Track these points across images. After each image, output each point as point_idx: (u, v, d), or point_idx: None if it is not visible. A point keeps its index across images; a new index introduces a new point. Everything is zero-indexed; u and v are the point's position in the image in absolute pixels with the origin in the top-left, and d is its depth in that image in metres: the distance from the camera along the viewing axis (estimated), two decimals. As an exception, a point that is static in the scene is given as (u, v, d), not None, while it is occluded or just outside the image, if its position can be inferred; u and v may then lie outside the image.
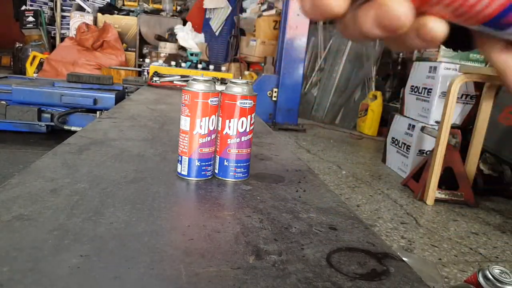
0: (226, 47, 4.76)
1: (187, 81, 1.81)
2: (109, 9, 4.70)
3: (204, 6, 4.80)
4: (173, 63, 2.20)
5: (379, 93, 3.82)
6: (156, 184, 0.56)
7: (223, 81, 1.92)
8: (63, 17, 4.65)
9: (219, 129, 0.59)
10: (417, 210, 1.99)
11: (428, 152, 2.39)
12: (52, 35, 4.73)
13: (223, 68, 3.13)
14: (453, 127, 2.08)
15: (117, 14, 4.69)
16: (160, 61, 3.14)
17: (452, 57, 2.44)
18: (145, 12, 4.86)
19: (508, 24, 0.17)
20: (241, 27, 4.52)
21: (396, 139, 2.74)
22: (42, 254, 0.35)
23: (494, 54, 0.21)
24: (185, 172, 0.59)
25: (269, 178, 0.64)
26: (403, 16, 0.17)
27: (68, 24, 4.53)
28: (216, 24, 4.76)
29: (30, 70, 3.75)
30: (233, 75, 2.81)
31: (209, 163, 0.60)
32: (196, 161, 0.58)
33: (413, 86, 2.68)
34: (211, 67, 2.29)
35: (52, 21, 4.74)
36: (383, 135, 3.29)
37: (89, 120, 1.18)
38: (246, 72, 4.00)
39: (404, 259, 0.42)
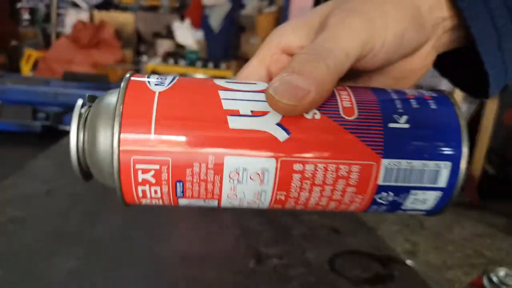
0: (225, 44, 4.75)
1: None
2: (105, 5, 4.68)
3: (203, 3, 4.79)
4: (171, 60, 2.19)
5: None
6: (154, 185, 0.55)
7: (221, 79, 1.91)
8: (58, 14, 4.63)
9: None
10: (419, 211, 1.99)
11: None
12: (48, 33, 4.70)
13: (223, 66, 3.12)
14: (456, 126, 2.07)
15: (114, 10, 4.67)
16: (158, 59, 3.12)
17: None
18: (142, 8, 4.84)
19: None
20: (241, 24, 4.51)
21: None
22: (37, 257, 0.35)
23: None
24: (183, 173, 0.58)
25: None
26: None
27: (64, 22, 4.51)
28: (215, 21, 4.75)
29: (26, 68, 3.73)
30: (233, 73, 2.80)
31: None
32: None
33: (416, 85, 2.68)
34: (210, 64, 2.28)
35: (47, 18, 4.72)
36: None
37: (85, 119, 1.17)
38: (245, 70, 3.99)
39: (408, 262, 0.41)
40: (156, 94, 0.19)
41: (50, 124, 1.18)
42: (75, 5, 4.57)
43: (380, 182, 0.20)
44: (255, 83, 0.21)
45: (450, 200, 0.20)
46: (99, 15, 4.45)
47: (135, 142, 0.18)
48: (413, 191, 0.20)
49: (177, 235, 0.43)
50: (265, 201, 0.20)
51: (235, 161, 0.19)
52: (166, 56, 2.96)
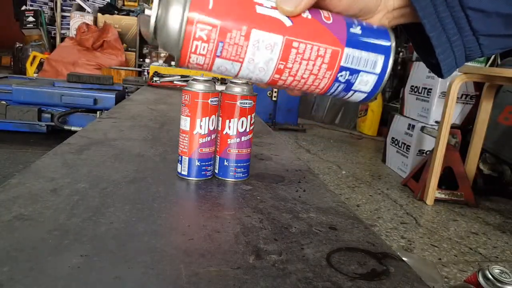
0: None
1: (187, 81, 1.80)
2: (109, 9, 4.69)
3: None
4: (173, 63, 2.20)
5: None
6: (156, 184, 0.56)
7: (223, 81, 1.92)
8: (63, 17, 4.65)
9: (219, 129, 0.59)
10: (417, 210, 1.99)
11: (428, 152, 2.39)
12: (52, 35, 4.72)
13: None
14: (453, 127, 2.08)
15: (117, 14, 4.68)
16: (160, 61, 3.13)
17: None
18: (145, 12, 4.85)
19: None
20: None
21: (396, 139, 2.74)
22: (42, 254, 0.35)
23: None
24: (185, 172, 0.59)
25: (269, 178, 0.64)
26: None
27: (68, 24, 4.53)
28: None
29: (30, 70, 3.75)
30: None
31: (209, 163, 0.60)
32: (196, 161, 0.58)
33: (413, 86, 2.68)
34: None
35: (52, 21, 4.74)
36: (383, 135, 3.29)
37: (89, 120, 1.18)
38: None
39: (404, 259, 0.42)
40: None
41: (55, 124, 1.19)
42: (80, 9, 4.59)
43: (342, 63, 0.31)
44: None
45: (382, 84, 0.32)
46: (103, 18, 4.46)
47: (199, 10, 0.28)
48: (361, 73, 0.31)
49: (179, 232, 0.43)
50: (269, 69, 0.31)
51: (258, 33, 0.29)
52: (168, 59, 2.97)
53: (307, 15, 0.30)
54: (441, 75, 0.34)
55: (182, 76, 1.93)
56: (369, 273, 0.38)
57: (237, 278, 0.35)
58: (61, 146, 0.70)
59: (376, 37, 0.32)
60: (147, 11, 0.30)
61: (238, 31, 0.29)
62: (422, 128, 2.41)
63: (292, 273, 0.36)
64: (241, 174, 0.61)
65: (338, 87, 0.32)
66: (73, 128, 1.24)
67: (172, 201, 0.52)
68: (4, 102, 1.17)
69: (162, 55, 4.02)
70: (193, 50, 0.29)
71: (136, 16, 4.69)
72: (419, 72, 2.62)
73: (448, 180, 2.15)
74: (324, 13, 0.31)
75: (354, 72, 0.31)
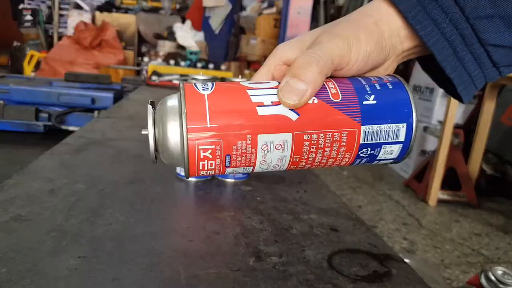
0: (226, 45, 4.75)
1: (186, 80, 1.79)
2: (107, 7, 4.68)
3: (204, 5, 4.79)
4: (172, 62, 2.19)
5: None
6: (155, 185, 0.56)
7: (222, 80, 1.91)
8: (61, 15, 4.63)
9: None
10: (419, 211, 1.99)
11: (430, 153, 2.39)
12: (50, 34, 4.70)
13: (223, 67, 3.11)
14: (455, 127, 2.08)
15: (116, 12, 4.67)
16: (159, 60, 3.13)
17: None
18: (144, 10, 4.84)
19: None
20: (241, 26, 4.51)
21: (397, 139, 2.73)
22: (40, 255, 0.35)
23: None
24: (184, 172, 0.58)
25: (269, 179, 0.64)
26: None
27: (66, 23, 4.51)
28: (216, 22, 4.75)
29: (28, 69, 3.73)
30: (233, 74, 2.80)
31: (209, 163, 0.59)
32: (196, 161, 0.58)
33: (415, 85, 2.68)
34: (211, 66, 2.29)
35: (50, 19, 4.72)
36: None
37: (87, 120, 1.17)
38: (246, 71, 3.99)
39: (406, 260, 0.42)
40: (206, 96, 0.27)
41: (53, 124, 1.18)
42: (78, 7, 4.58)
43: (361, 141, 0.28)
44: (269, 82, 0.29)
45: (408, 150, 0.30)
46: (101, 16, 4.45)
47: (197, 132, 0.26)
48: (383, 145, 0.29)
49: (178, 233, 0.43)
50: (285, 164, 0.29)
51: (265, 137, 0.27)
52: (167, 57, 2.96)
53: (312, 99, 0.28)
54: (461, 101, 0.32)
55: (181, 76, 1.92)
56: (371, 275, 0.38)
57: (237, 280, 0.35)
58: (58, 146, 0.69)
59: (393, 103, 0.29)
60: (143, 131, 0.28)
61: (243, 141, 0.27)
62: (425, 128, 2.41)
63: (293, 275, 0.36)
64: (241, 174, 0.60)
65: (361, 161, 0.30)
66: (70, 128, 1.23)
67: (171, 202, 0.51)
68: (1, 102, 1.16)
69: (161, 53, 4.00)
70: (200, 168, 0.28)
71: (135, 14, 4.68)
72: (421, 72, 2.61)
73: (450, 180, 2.15)
74: (331, 89, 0.28)
75: (376, 146, 0.29)
